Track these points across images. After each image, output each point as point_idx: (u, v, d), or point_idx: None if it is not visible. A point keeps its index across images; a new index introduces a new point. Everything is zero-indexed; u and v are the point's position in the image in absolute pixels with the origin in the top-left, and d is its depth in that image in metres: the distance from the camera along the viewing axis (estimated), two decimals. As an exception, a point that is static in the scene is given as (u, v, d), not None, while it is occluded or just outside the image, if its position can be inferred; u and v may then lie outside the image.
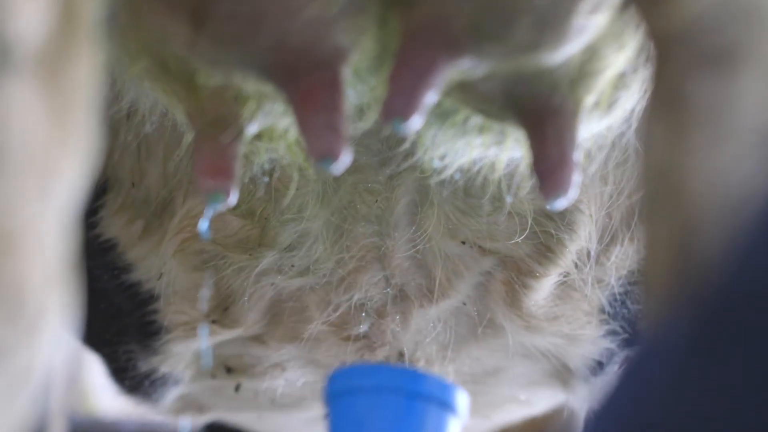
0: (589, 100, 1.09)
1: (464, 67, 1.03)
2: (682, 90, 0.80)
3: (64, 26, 0.79)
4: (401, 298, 1.36)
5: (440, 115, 1.13)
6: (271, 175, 1.25)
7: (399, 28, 1.03)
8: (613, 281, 1.34)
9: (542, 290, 1.35)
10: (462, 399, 1.20)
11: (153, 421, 1.85)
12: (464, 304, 1.37)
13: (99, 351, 1.47)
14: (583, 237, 1.32)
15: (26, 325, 0.74)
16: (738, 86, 0.77)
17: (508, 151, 1.16)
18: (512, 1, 0.99)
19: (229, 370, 1.45)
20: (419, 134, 1.16)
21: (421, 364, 1.40)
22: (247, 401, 1.50)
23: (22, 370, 0.75)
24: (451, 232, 1.31)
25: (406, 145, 1.22)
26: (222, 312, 1.37)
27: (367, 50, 1.05)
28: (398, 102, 1.00)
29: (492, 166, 1.20)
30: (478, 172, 1.20)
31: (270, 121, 1.11)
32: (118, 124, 1.24)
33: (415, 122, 1.00)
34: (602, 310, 1.37)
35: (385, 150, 1.25)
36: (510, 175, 1.23)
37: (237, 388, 1.48)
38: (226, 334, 1.39)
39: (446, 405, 1.18)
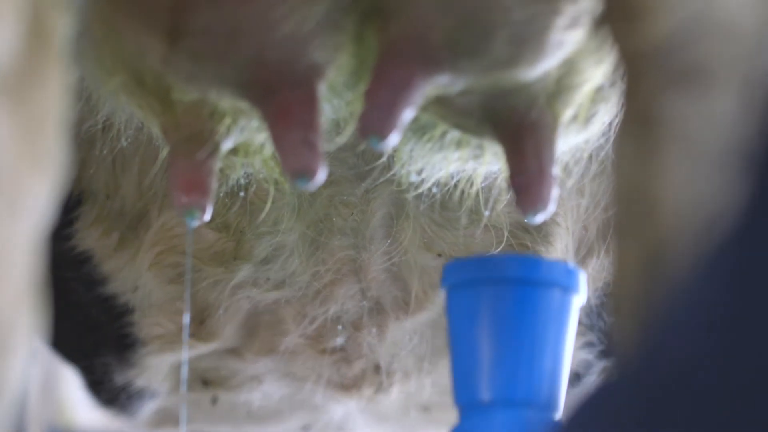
0: (567, 114, 1.09)
1: (441, 83, 1.03)
2: (653, 108, 0.80)
3: (32, 43, 0.78)
4: (377, 311, 1.36)
5: (417, 129, 1.13)
6: (246, 190, 1.24)
7: (375, 43, 1.03)
8: (589, 294, 1.34)
9: (519, 303, 1.35)
10: (583, 278, 1.16)
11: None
12: (441, 316, 1.36)
13: (75, 364, 1.46)
14: (560, 249, 1.32)
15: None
16: (710, 104, 0.77)
17: (485, 165, 1.16)
18: (489, 17, 0.99)
19: (206, 383, 1.45)
20: (396, 149, 1.16)
21: (397, 377, 1.40)
22: (224, 414, 1.49)
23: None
24: (427, 245, 1.30)
25: (383, 160, 1.22)
26: (198, 325, 1.37)
27: (344, 66, 1.04)
28: (375, 119, 1.00)
29: (469, 180, 1.20)
30: (456, 186, 1.20)
31: (246, 137, 1.11)
32: (93, 137, 1.23)
33: (393, 139, 1.00)
34: (578, 322, 1.37)
35: (362, 164, 1.25)
36: (487, 189, 1.23)
37: (214, 401, 1.47)
38: (202, 348, 1.38)
39: (569, 287, 1.14)
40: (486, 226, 1.29)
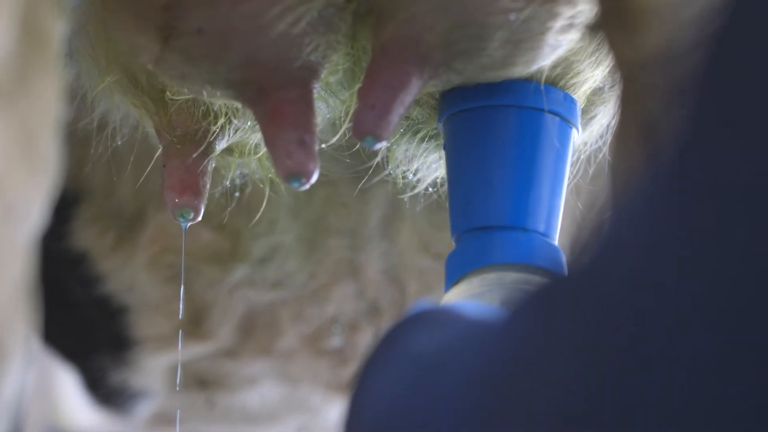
0: (563, 114, 1.09)
1: (436, 84, 1.02)
2: (652, 120, 0.79)
3: (27, 46, 0.78)
4: (374, 312, 1.35)
5: (410, 126, 1.12)
6: (242, 190, 1.24)
7: (370, 43, 1.02)
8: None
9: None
10: (579, 110, 1.11)
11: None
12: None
13: (71, 363, 1.46)
14: (558, 250, 1.31)
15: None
16: None
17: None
18: (485, 18, 0.99)
19: (202, 384, 1.45)
20: (391, 149, 1.15)
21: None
22: (220, 415, 1.49)
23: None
24: (424, 246, 1.30)
25: (378, 159, 1.21)
26: (194, 325, 1.36)
27: (338, 65, 1.04)
28: (369, 119, 0.99)
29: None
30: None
31: (240, 137, 1.10)
32: (89, 136, 1.23)
33: (387, 139, 1.00)
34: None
35: (357, 164, 1.24)
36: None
37: (209, 402, 1.47)
38: (199, 348, 1.38)
39: (567, 117, 1.08)
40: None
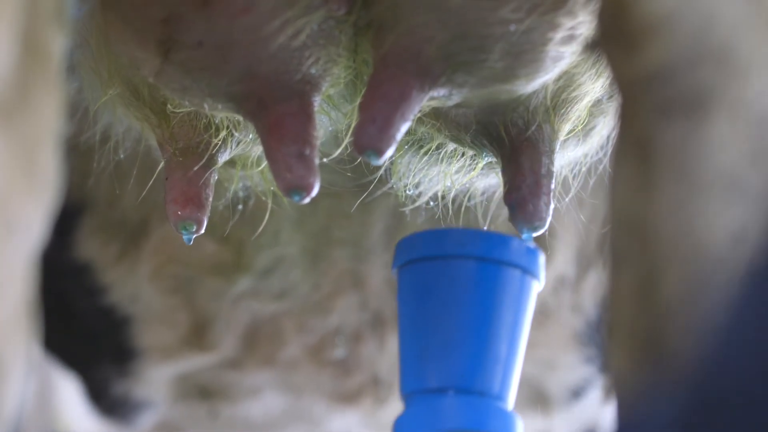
0: (566, 128, 1.08)
1: (437, 96, 1.02)
2: (649, 136, 0.79)
3: (27, 62, 0.78)
4: (377, 323, 1.35)
5: (414, 142, 1.12)
6: (245, 203, 1.24)
7: (371, 56, 1.02)
8: (588, 307, 1.33)
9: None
10: (542, 261, 1.07)
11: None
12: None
13: (74, 373, 1.46)
14: (559, 262, 1.31)
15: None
16: (707, 132, 0.76)
17: (483, 178, 1.15)
18: (486, 30, 0.98)
19: (205, 395, 1.45)
20: (393, 162, 1.15)
21: (396, 388, 1.39)
22: (223, 426, 1.49)
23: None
24: (426, 258, 1.30)
25: (381, 172, 1.21)
26: (197, 336, 1.37)
27: (339, 78, 1.04)
28: (370, 133, 0.99)
29: (467, 193, 1.19)
30: (453, 199, 1.20)
31: (243, 149, 1.11)
32: (92, 148, 1.23)
33: (388, 153, 1.00)
34: (578, 336, 1.37)
35: (360, 176, 1.24)
36: (486, 202, 1.23)
37: (213, 413, 1.47)
38: (202, 359, 1.38)
39: (529, 270, 1.05)
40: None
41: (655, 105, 0.80)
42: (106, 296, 1.36)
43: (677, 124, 0.78)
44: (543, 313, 1.35)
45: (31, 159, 0.78)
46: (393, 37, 0.99)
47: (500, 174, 1.09)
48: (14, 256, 0.77)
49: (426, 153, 1.12)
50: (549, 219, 1.06)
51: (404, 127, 1.00)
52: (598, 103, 1.10)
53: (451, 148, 1.12)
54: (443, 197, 1.19)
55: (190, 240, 1.09)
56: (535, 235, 1.06)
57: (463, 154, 1.11)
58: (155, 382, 1.41)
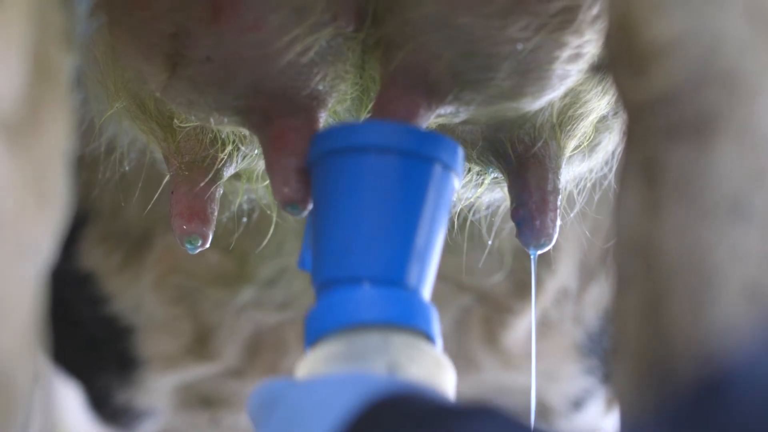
0: (571, 144, 1.09)
1: (444, 113, 1.02)
2: (655, 158, 0.80)
3: (37, 83, 0.78)
4: (379, 332, 1.35)
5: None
6: (249, 214, 1.24)
7: (378, 73, 1.02)
8: (590, 318, 1.34)
9: (520, 327, 1.35)
10: (462, 156, 1.01)
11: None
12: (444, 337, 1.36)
13: (76, 381, 1.46)
14: (562, 274, 1.31)
15: (1, 390, 0.74)
16: (713, 155, 0.76)
17: (488, 192, 1.15)
18: (493, 48, 0.99)
19: (207, 403, 1.45)
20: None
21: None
22: (225, 435, 1.49)
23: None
24: (430, 270, 1.30)
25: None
26: (200, 345, 1.37)
27: (347, 94, 1.04)
28: None
29: (472, 208, 1.20)
30: (458, 213, 1.20)
31: (248, 163, 1.11)
32: (97, 159, 1.23)
33: None
34: (580, 347, 1.37)
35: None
36: (491, 215, 1.23)
37: (215, 421, 1.47)
38: (205, 368, 1.38)
39: (450, 165, 0.99)
40: (488, 251, 1.29)
41: (662, 127, 0.80)
42: (109, 305, 1.37)
43: (683, 146, 0.78)
44: (545, 325, 1.36)
45: (42, 180, 0.78)
46: (401, 55, 0.99)
47: (506, 189, 1.10)
48: (25, 278, 0.77)
49: None
50: (556, 235, 1.06)
51: None
52: (603, 119, 1.10)
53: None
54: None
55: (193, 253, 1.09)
56: (541, 252, 1.06)
57: (469, 170, 1.12)
58: (157, 390, 1.42)
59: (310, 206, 1.00)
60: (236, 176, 1.13)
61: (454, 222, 1.21)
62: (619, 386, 0.82)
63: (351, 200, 0.98)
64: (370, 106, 1.04)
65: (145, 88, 1.05)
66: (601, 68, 1.00)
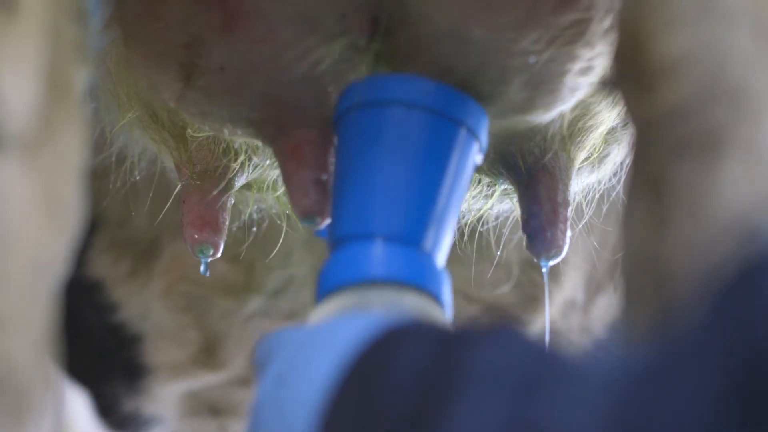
0: (581, 156, 1.09)
1: None
2: (663, 174, 0.80)
3: (52, 98, 0.78)
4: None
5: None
6: (259, 225, 1.25)
7: (391, 85, 1.03)
8: (598, 329, 1.34)
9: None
10: (487, 125, 0.99)
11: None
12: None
13: (84, 389, 1.46)
14: (569, 286, 1.31)
15: (14, 404, 0.74)
16: (719, 171, 0.76)
17: (497, 204, 1.16)
18: (506, 61, 0.99)
19: (215, 412, 1.45)
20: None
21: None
22: (232, 444, 1.49)
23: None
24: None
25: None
26: (208, 354, 1.37)
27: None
28: None
29: (481, 218, 1.20)
30: (467, 223, 1.20)
31: (259, 173, 1.11)
32: (107, 169, 1.23)
33: None
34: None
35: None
36: (499, 227, 1.23)
37: (222, 429, 1.47)
38: (212, 377, 1.38)
39: (476, 132, 0.97)
40: (496, 262, 1.29)
41: (669, 143, 0.80)
42: (116, 313, 1.37)
43: (690, 162, 0.78)
44: (552, 335, 1.36)
45: (56, 194, 0.78)
46: (414, 67, 1.00)
47: (515, 201, 1.10)
48: (40, 291, 0.77)
49: None
50: (566, 247, 1.07)
51: None
52: (612, 131, 1.10)
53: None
54: (457, 221, 1.20)
55: (206, 266, 1.09)
56: (552, 263, 1.07)
57: (479, 181, 1.12)
58: (165, 399, 1.42)
59: (328, 218, 1.00)
60: (246, 186, 1.14)
61: (463, 232, 1.21)
62: None
63: (373, 155, 0.97)
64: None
65: (157, 98, 1.06)
66: (610, 85, 1.00)
